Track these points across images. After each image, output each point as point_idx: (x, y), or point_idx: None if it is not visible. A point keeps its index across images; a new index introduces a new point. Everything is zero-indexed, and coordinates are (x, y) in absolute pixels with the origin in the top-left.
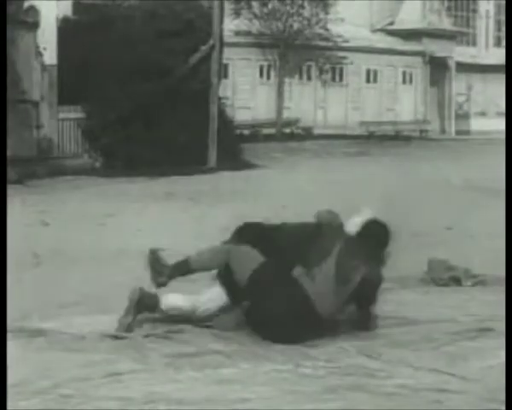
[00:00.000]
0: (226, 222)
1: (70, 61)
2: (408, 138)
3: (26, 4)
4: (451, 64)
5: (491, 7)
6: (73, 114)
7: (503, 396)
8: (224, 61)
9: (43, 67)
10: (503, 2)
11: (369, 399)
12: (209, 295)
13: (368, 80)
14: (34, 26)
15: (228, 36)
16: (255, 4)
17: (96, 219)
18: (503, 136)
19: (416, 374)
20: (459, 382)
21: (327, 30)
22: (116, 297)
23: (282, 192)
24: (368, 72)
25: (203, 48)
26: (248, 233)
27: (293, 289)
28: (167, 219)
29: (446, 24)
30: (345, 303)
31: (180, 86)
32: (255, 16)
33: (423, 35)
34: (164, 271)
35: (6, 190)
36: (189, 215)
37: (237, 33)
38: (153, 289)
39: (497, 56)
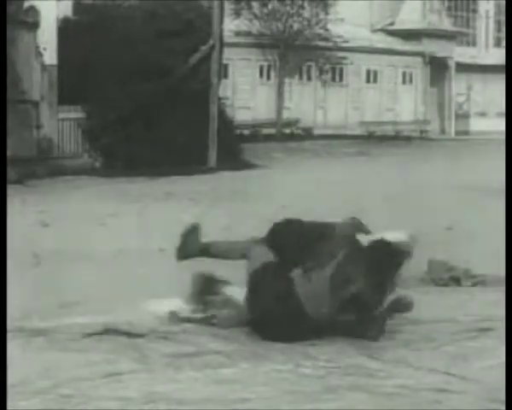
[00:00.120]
0: (226, 222)
1: (70, 61)
2: (408, 138)
3: (26, 4)
4: (451, 64)
5: (490, 7)
6: (73, 113)
7: (503, 396)
8: (224, 62)
9: (43, 67)
10: (503, 3)
11: (369, 399)
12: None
13: (368, 80)
14: (34, 26)
15: (228, 36)
16: (255, 5)
17: (96, 219)
18: (503, 136)
19: (416, 374)
20: (459, 382)
21: (327, 30)
22: (116, 297)
23: (282, 192)
24: (368, 72)
25: (203, 48)
26: (286, 231)
27: (285, 288)
28: (167, 219)
29: (446, 24)
30: (340, 308)
31: (180, 86)
32: (255, 16)
33: (423, 35)
34: (192, 247)
35: (6, 190)
36: (189, 215)
37: (237, 33)
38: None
39: (497, 57)
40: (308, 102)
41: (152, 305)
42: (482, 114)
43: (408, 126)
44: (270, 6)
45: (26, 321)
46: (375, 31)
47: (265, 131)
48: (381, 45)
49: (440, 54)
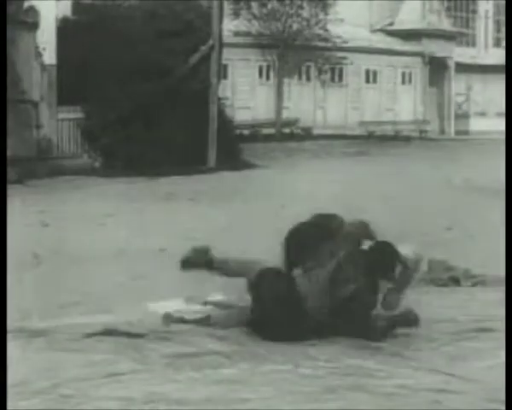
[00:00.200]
0: (226, 222)
1: (69, 61)
2: (407, 138)
3: (25, 4)
4: (451, 64)
5: (490, 7)
6: (73, 114)
7: (502, 396)
8: (224, 62)
9: (43, 67)
10: (503, 3)
11: (369, 399)
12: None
13: (367, 80)
14: (34, 26)
15: (227, 36)
16: (254, 5)
17: (96, 219)
18: (503, 136)
19: (416, 374)
20: (459, 382)
21: (326, 30)
22: (116, 297)
23: (282, 192)
24: (367, 72)
25: (203, 48)
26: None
27: (286, 288)
28: (167, 219)
29: (446, 24)
30: (339, 307)
31: (180, 86)
32: (254, 17)
33: (423, 35)
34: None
35: (6, 190)
36: (189, 215)
37: (237, 34)
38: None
39: (497, 57)
40: (307, 102)
41: (152, 305)
42: (482, 114)
43: (407, 126)
44: (269, 6)
45: (26, 321)
46: (374, 31)
47: (265, 131)
48: (380, 45)
49: (440, 54)
